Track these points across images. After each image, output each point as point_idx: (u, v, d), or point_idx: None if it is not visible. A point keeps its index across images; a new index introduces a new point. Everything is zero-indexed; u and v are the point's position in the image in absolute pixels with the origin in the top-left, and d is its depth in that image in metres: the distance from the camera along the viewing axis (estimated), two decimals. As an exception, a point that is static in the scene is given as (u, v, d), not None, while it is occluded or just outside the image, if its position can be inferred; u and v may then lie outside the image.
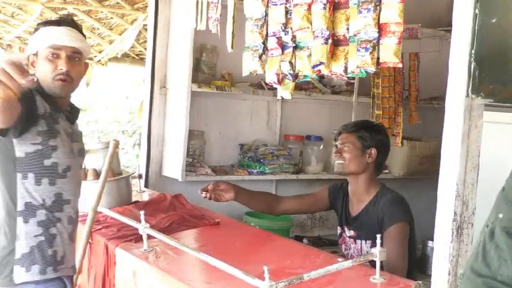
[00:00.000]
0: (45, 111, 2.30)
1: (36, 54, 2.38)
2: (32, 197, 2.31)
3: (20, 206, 2.31)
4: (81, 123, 11.08)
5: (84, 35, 2.50)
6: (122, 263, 2.68)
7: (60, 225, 2.38)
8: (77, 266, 2.76)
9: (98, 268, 2.82)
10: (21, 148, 2.27)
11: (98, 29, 7.02)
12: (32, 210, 2.31)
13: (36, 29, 2.43)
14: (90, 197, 2.94)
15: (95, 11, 6.67)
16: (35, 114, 2.25)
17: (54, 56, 2.35)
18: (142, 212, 2.65)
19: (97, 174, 3.17)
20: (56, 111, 2.38)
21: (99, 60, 7.84)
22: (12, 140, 2.25)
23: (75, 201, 2.49)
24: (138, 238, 2.70)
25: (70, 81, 2.37)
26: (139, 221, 2.65)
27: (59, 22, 2.44)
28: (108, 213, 3.03)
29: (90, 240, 2.85)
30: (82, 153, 2.60)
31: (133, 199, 3.49)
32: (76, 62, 2.39)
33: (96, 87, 11.56)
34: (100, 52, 7.63)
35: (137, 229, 2.66)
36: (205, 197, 3.11)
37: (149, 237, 2.63)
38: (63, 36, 2.37)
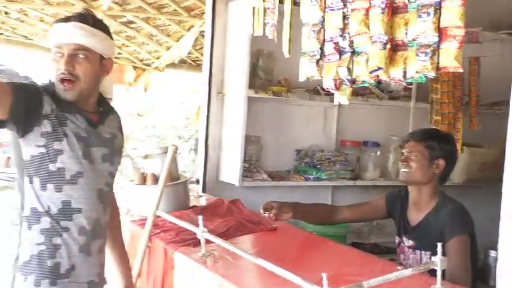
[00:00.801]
0: (52, 112, 2.16)
1: None
2: (38, 203, 2.18)
3: (26, 211, 2.20)
4: (139, 128, 11.24)
5: (103, 30, 2.29)
6: (180, 267, 2.70)
7: (67, 236, 2.20)
8: (137, 269, 2.81)
9: (157, 272, 2.85)
10: (27, 150, 2.17)
11: (156, 35, 7.14)
12: (36, 217, 2.18)
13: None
14: (149, 201, 2.99)
15: (153, 18, 6.79)
16: (37, 113, 2.13)
17: (59, 55, 2.22)
18: (200, 217, 2.66)
19: (156, 179, 3.20)
20: (68, 112, 2.23)
21: (157, 66, 7.96)
22: (19, 140, 2.17)
23: (92, 212, 2.27)
24: (196, 242, 2.72)
25: (75, 80, 2.21)
26: (197, 225, 2.66)
27: (67, 18, 2.27)
28: (167, 218, 3.06)
29: (149, 244, 2.89)
30: (108, 158, 2.36)
31: (191, 204, 3.52)
32: (81, 60, 2.21)
33: (154, 92, 11.74)
34: (158, 58, 7.75)
35: (195, 233, 2.68)
36: (268, 216, 3.09)
37: (207, 241, 2.64)
38: (65, 33, 2.21)
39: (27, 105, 2.10)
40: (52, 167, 2.17)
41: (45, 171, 2.17)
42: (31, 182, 2.18)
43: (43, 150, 2.16)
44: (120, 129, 2.48)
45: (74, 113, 2.24)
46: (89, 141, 2.26)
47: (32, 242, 2.18)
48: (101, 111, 2.38)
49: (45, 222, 2.18)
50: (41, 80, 2.28)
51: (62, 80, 2.21)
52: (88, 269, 2.29)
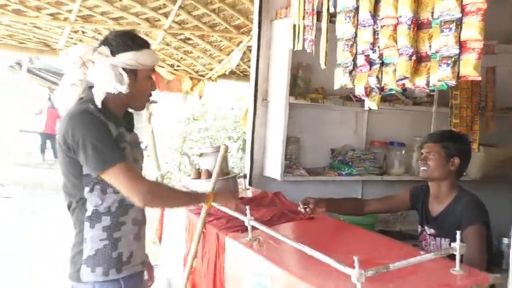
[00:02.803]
0: (116, 138, 2.18)
1: None
2: (99, 206, 2.20)
3: (88, 213, 2.20)
4: (194, 130, 11.28)
5: (99, 45, 2.24)
6: (231, 250, 2.71)
7: (125, 228, 2.26)
8: (193, 251, 2.83)
9: (211, 254, 2.86)
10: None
11: (209, 50, 7.18)
12: (98, 217, 2.20)
13: None
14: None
15: (207, 36, 6.84)
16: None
17: (151, 74, 2.34)
18: (247, 207, 2.67)
19: (209, 174, 3.21)
20: (119, 126, 2.24)
21: (210, 77, 8.00)
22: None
23: None
24: (244, 229, 2.72)
25: None
26: (245, 214, 2.67)
27: (148, 44, 2.34)
28: (219, 207, 3.08)
29: (204, 230, 2.90)
30: (142, 156, 2.44)
31: (240, 195, 3.52)
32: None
33: (207, 99, 11.82)
34: (211, 70, 7.79)
35: (243, 221, 2.68)
36: (305, 210, 3.07)
37: (253, 228, 2.64)
38: (155, 58, 2.36)
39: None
40: None
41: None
42: (92, 190, 2.19)
43: None
44: None
45: (122, 125, 2.27)
46: (132, 145, 2.30)
47: (96, 238, 2.21)
48: (125, 116, 2.38)
49: (106, 220, 2.22)
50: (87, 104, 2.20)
51: (150, 95, 2.30)
52: (141, 252, 2.39)
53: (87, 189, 2.19)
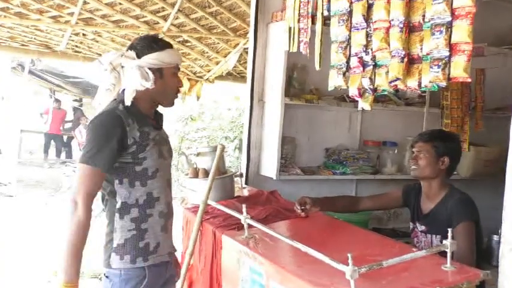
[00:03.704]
0: (136, 134, 2.28)
1: None
2: (128, 198, 2.31)
3: (118, 205, 2.32)
4: (192, 130, 11.27)
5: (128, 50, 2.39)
6: (227, 248, 2.71)
7: (152, 220, 2.35)
8: (190, 249, 2.82)
9: (207, 251, 2.86)
10: (116, 160, 2.28)
11: (207, 52, 7.19)
12: (126, 209, 2.31)
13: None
14: (200, 192, 3.00)
15: (205, 38, 6.84)
16: (125, 148, 2.26)
17: (176, 72, 2.45)
18: (244, 205, 2.67)
19: (206, 173, 3.21)
20: (146, 126, 2.35)
21: (208, 78, 8.00)
22: None
23: (166, 197, 2.44)
24: (240, 227, 2.72)
25: None
26: (241, 212, 2.67)
27: (170, 44, 2.47)
28: (216, 206, 3.07)
29: (201, 228, 2.90)
30: (171, 153, 2.54)
31: (236, 194, 3.52)
32: None
33: (205, 100, 11.81)
34: (208, 71, 7.80)
35: (239, 219, 2.68)
36: (300, 211, 3.06)
37: (249, 226, 2.64)
38: (179, 56, 2.49)
39: (114, 157, 2.23)
40: (138, 168, 2.32)
41: (133, 173, 2.31)
42: (121, 182, 2.31)
43: (130, 160, 2.29)
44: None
45: (149, 124, 2.37)
46: (159, 143, 2.39)
47: (125, 228, 2.32)
48: (156, 115, 2.49)
49: (134, 212, 2.33)
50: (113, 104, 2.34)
51: (178, 91, 2.43)
52: (167, 243, 2.46)
53: (116, 181, 2.31)
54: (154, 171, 2.35)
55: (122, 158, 2.27)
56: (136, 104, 2.32)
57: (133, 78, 2.27)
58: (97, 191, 2.25)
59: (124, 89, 2.33)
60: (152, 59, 2.31)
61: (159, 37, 2.46)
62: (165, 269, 2.47)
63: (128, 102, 2.28)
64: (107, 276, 2.37)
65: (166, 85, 2.38)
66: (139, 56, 2.31)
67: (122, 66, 2.32)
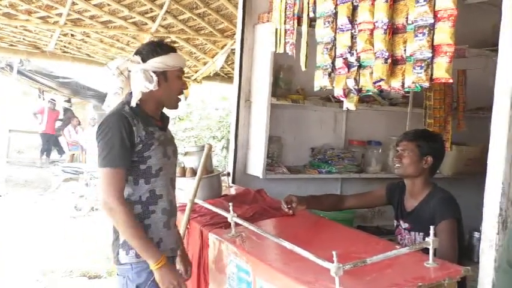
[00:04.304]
0: (141, 133, 2.32)
1: None
2: (131, 195, 2.35)
3: None
4: (180, 129, 11.29)
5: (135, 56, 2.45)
6: (214, 246, 2.70)
7: (155, 216, 2.39)
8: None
9: (194, 249, 2.86)
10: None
11: (194, 53, 7.18)
12: (130, 205, 2.33)
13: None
14: (188, 191, 2.99)
15: (193, 39, 6.83)
16: (133, 145, 2.30)
17: (181, 75, 2.50)
18: (230, 204, 2.67)
19: (194, 172, 3.21)
20: (151, 126, 2.39)
21: (195, 79, 7.99)
22: None
23: (169, 195, 2.47)
24: (227, 225, 2.72)
25: None
26: (228, 211, 2.67)
27: (175, 48, 2.52)
28: (203, 204, 3.07)
29: (188, 226, 2.89)
30: (176, 153, 2.58)
31: (223, 193, 3.52)
32: None
33: (192, 100, 11.80)
34: (196, 72, 7.78)
35: (226, 218, 2.68)
36: (287, 209, 3.07)
37: (236, 224, 2.64)
38: (183, 60, 2.56)
39: (129, 154, 2.29)
40: (142, 166, 2.36)
41: (138, 171, 2.36)
42: (126, 180, 2.33)
43: (136, 158, 2.34)
44: None
45: (153, 125, 2.42)
46: (164, 143, 2.44)
47: None
48: (161, 117, 2.54)
49: (138, 208, 2.37)
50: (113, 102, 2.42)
51: (182, 94, 2.48)
52: (170, 239, 2.47)
53: None
54: (157, 170, 2.39)
55: (131, 153, 2.32)
56: (141, 106, 2.39)
57: (138, 81, 2.34)
58: (124, 187, 2.31)
59: (131, 92, 2.40)
60: (156, 62, 2.37)
61: (164, 42, 2.53)
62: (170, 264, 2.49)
63: (133, 104, 2.35)
64: (119, 275, 2.42)
65: (171, 87, 2.43)
66: (144, 60, 2.37)
67: (129, 71, 2.39)
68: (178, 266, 2.66)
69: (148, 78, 2.34)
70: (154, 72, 2.36)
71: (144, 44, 2.52)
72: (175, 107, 2.52)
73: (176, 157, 2.60)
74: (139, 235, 2.27)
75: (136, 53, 2.43)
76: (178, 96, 2.50)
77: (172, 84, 2.43)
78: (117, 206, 2.23)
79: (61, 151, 14.73)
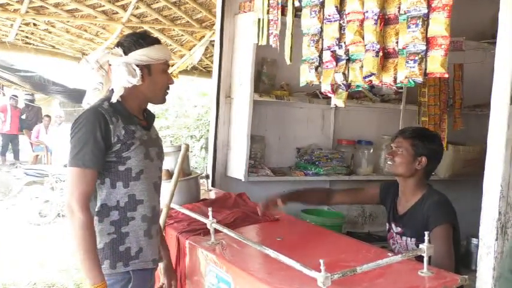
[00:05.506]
0: (120, 132, 2.30)
1: None
2: (108, 199, 2.32)
3: (97, 207, 2.31)
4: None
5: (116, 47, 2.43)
6: (192, 254, 2.70)
7: (133, 223, 2.35)
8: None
9: (171, 258, 2.85)
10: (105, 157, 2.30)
11: (170, 45, 7.14)
12: (106, 211, 2.31)
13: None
14: (163, 194, 2.98)
15: (168, 29, 6.80)
16: (110, 145, 2.28)
17: (166, 68, 2.48)
18: (210, 209, 2.67)
19: (170, 175, 3.20)
20: (133, 124, 2.37)
21: (171, 73, 7.95)
22: None
23: (152, 200, 2.43)
24: (206, 232, 2.72)
25: None
26: (207, 216, 2.66)
27: (159, 40, 2.51)
28: (180, 210, 3.06)
29: (163, 234, 2.88)
30: (161, 156, 2.56)
31: (202, 197, 3.51)
32: None
33: (169, 96, 11.72)
34: (172, 65, 7.74)
35: (205, 224, 2.68)
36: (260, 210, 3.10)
37: (216, 231, 2.64)
38: (168, 52, 2.51)
39: (103, 154, 2.26)
40: (121, 168, 2.33)
41: (116, 172, 2.33)
42: (102, 182, 2.32)
43: (114, 158, 2.31)
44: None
45: (135, 124, 2.39)
46: (147, 143, 2.41)
47: (104, 232, 2.32)
48: (146, 116, 2.52)
49: (114, 214, 2.33)
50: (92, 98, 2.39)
51: (168, 89, 2.47)
52: (152, 249, 2.44)
53: (98, 181, 2.32)
54: (138, 173, 2.36)
55: (106, 156, 2.29)
56: (123, 102, 2.36)
57: (120, 75, 2.31)
58: (91, 192, 2.27)
59: (113, 89, 2.36)
60: (139, 55, 2.34)
61: (147, 33, 2.52)
62: (150, 276, 2.47)
63: (114, 100, 2.32)
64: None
65: (155, 82, 2.41)
66: (126, 53, 2.34)
67: (110, 64, 2.35)
68: (162, 278, 2.64)
69: (131, 72, 2.30)
70: (137, 65, 2.33)
71: (126, 35, 2.49)
72: (161, 102, 2.50)
73: (161, 160, 2.56)
74: (88, 249, 2.19)
75: (118, 45, 2.40)
76: (164, 91, 2.48)
77: (157, 78, 2.40)
78: (77, 211, 2.18)
79: (17, 155, 14.42)
